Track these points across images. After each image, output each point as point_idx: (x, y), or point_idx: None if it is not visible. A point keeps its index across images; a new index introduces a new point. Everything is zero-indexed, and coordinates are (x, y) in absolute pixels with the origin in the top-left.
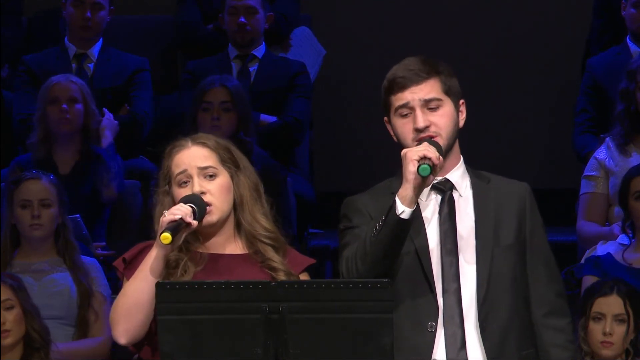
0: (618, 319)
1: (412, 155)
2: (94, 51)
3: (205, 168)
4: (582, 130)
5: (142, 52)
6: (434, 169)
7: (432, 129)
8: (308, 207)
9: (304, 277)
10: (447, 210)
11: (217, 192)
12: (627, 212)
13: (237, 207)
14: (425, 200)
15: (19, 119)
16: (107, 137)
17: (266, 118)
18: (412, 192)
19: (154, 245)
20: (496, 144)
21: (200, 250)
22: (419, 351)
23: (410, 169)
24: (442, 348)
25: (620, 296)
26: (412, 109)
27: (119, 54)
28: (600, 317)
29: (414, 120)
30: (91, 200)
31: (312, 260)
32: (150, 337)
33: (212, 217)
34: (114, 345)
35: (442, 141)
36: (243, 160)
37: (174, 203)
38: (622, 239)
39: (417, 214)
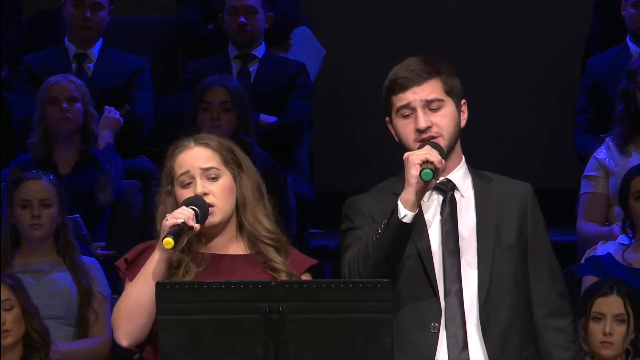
0: (618, 319)
1: (415, 159)
2: (94, 51)
3: (208, 169)
4: (582, 130)
5: (142, 52)
6: (436, 173)
7: (434, 129)
8: (308, 207)
9: (305, 277)
10: (449, 211)
11: (219, 193)
12: (627, 212)
13: (239, 207)
14: (427, 201)
15: (19, 119)
16: (105, 137)
17: (266, 118)
18: (415, 196)
19: (156, 249)
20: (496, 144)
21: (202, 251)
22: (422, 352)
23: (413, 173)
24: (444, 349)
25: (620, 296)
26: (414, 109)
27: (119, 54)
28: (600, 317)
29: (416, 121)
30: (91, 200)
31: (314, 261)
32: (152, 337)
33: (214, 218)
34: (114, 345)
35: (443, 142)
36: (246, 161)
37: (177, 204)
38: (622, 239)
39: (419, 217)
